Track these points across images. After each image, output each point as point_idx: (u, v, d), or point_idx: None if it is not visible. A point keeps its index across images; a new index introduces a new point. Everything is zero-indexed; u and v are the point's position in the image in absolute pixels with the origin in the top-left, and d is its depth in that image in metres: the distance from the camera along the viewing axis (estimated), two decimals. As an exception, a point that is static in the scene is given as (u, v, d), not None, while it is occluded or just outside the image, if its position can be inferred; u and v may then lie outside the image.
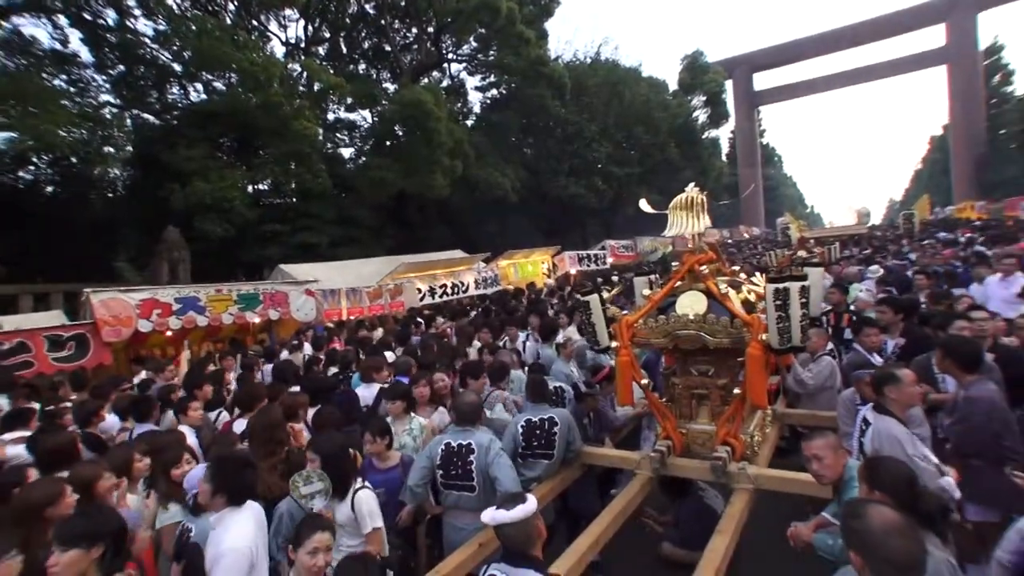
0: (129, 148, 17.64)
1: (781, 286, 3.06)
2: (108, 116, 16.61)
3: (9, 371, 6.45)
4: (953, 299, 5.74)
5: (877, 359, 4.26)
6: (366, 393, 4.79)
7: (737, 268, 4.17)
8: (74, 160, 16.18)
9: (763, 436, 3.99)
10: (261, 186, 19.47)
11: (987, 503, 2.97)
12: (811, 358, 4.45)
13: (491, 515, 2.07)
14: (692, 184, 3.92)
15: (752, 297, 3.76)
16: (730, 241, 27.06)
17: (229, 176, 15.90)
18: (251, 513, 2.48)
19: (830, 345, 4.78)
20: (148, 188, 16.54)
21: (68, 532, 2.04)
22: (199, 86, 19.73)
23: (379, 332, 8.76)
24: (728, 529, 2.90)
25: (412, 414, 3.93)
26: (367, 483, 2.92)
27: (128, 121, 17.93)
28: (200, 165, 15.62)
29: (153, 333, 8.40)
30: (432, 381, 4.37)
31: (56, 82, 15.82)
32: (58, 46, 16.38)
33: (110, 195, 19.79)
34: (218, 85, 19.06)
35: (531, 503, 2.08)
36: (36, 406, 4.83)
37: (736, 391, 3.44)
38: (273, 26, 22.24)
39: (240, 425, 4.01)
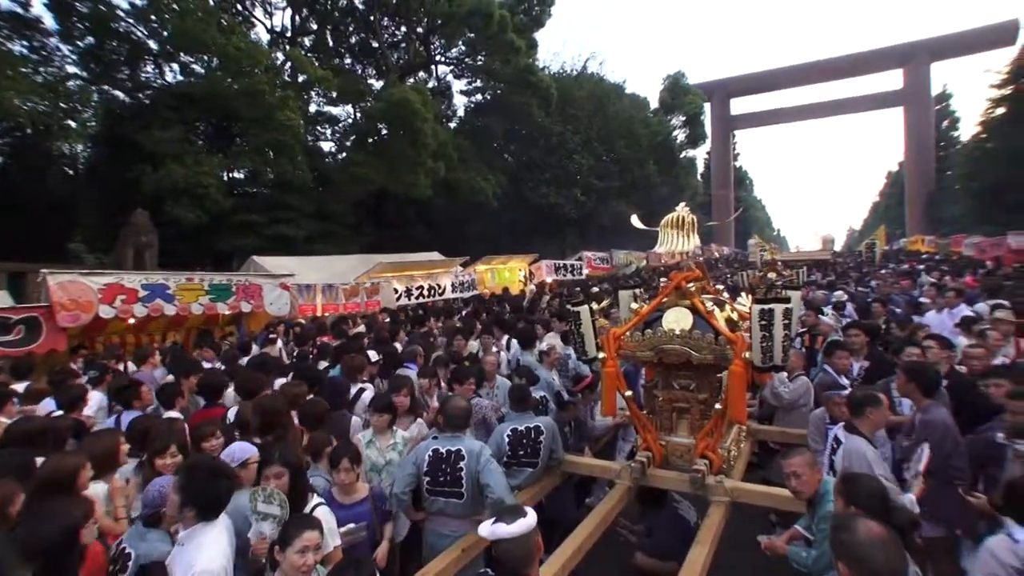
0: (93, 124, 16.88)
1: (767, 307, 3.17)
2: (73, 88, 15.86)
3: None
4: (916, 327, 6.13)
5: (844, 381, 4.46)
6: (345, 393, 4.73)
7: (721, 287, 4.29)
8: (29, 132, 15.26)
9: (738, 451, 4.11)
10: (237, 174, 19.04)
11: (938, 520, 3.16)
12: (787, 377, 4.61)
13: (490, 529, 1.91)
14: (683, 204, 4.04)
15: (735, 316, 3.89)
16: (701, 259, 27.55)
17: (205, 161, 15.52)
18: (224, 528, 2.28)
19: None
20: (114, 168, 15.94)
21: None
22: (176, 66, 19.04)
23: (360, 329, 8.67)
24: (706, 540, 2.99)
25: (394, 428, 3.76)
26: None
27: (95, 96, 17.15)
28: (175, 148, 15.19)
29: (114, 320, 8.02)
30: (411, 389, 4.12)
31: (14, 47, 14.85)
32: (18, 9, 15.32)
33: (70, 172, 18.89)
34: (197, 68, 18.49)
35: (532, 517, 1.95)
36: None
37: (717, 406, 3.55)
38: (259, 12, 22.00)
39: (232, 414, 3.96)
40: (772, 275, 11.61)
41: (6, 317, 6.86)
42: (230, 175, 18.49)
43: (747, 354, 3.27)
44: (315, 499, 2.72)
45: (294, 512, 2.52)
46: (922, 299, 8.78)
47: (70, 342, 7.65)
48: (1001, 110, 27.71)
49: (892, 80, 43.52)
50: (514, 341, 6.30)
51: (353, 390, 4.69)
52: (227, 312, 9.22)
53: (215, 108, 16.96)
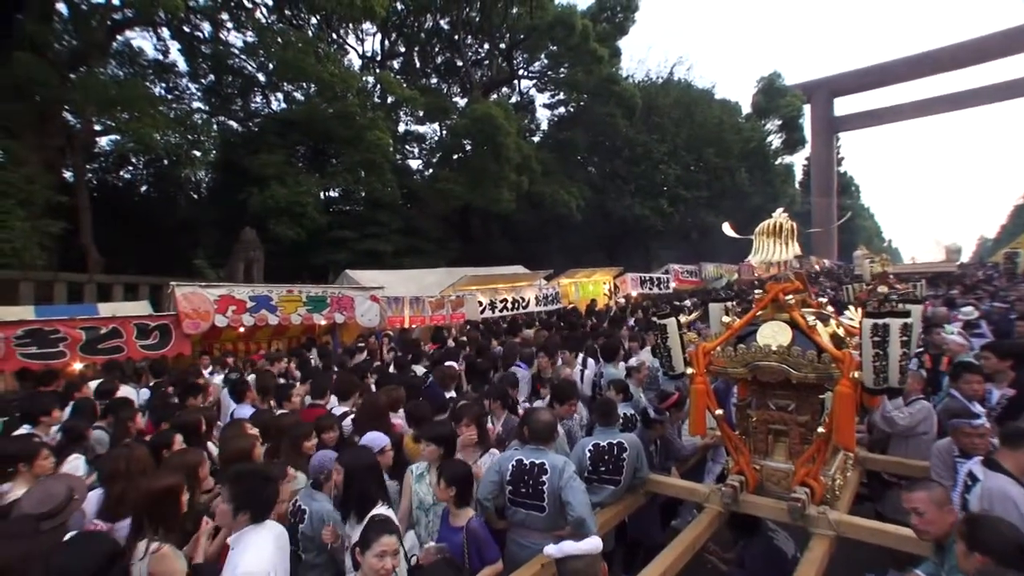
0: (214, 152, 18.85)
1: (881, 322, 2.84)
2: (198, 121, 17.77)
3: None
4: None
5: (979, 408, 3.88)
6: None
7: (824, 300, 3.93)
8: (166, 162, 17.54)
9: (844, 480, 3.72)
10: (332, 193, 20.39)
11: None
12: (904, 402, 4.11)
13: (558, 547, 1.96)
14: (781, 210, 3.76)
15: (841, 332, 3.54)
16: (800, 270, 25.52)
17: (304, 182, 16.68)
18: (271, 534, 2.34)
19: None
20: (228, 191, 17.62)
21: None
22: (280, 95, 21.13)
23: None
24: (808, 577, 2.70)
25: None
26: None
27: (214, 127, 19.15)
28: (278, 171, 16.49)
29: (227, 328, 8.83)
30: (478, 418, 3.61)
31: (156, 90, 17.34)
32: (160, 57, 18.16)
33: (194, 196, 21.35)
34: (297, 95, 20.20)
35: (598, 539, 2.01)
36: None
37: (820, 430, 3.23)
38: (351, 39, 23.44)
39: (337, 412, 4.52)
40: (883, 288, 10.62)
41: (145, 323, 7.91)
42: (326, 194, 19.79)
43: (856, 374, 2.94)
44: (381, 508, 2.69)
45: (358, 515, 2.65)
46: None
47: (193, 348, 8.59)
48: None
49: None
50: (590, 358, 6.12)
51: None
52: (323, 322, 9.81)
53: (313, 132, 18.30)
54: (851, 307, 4.11)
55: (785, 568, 2.99)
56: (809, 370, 3.13)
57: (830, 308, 3.92)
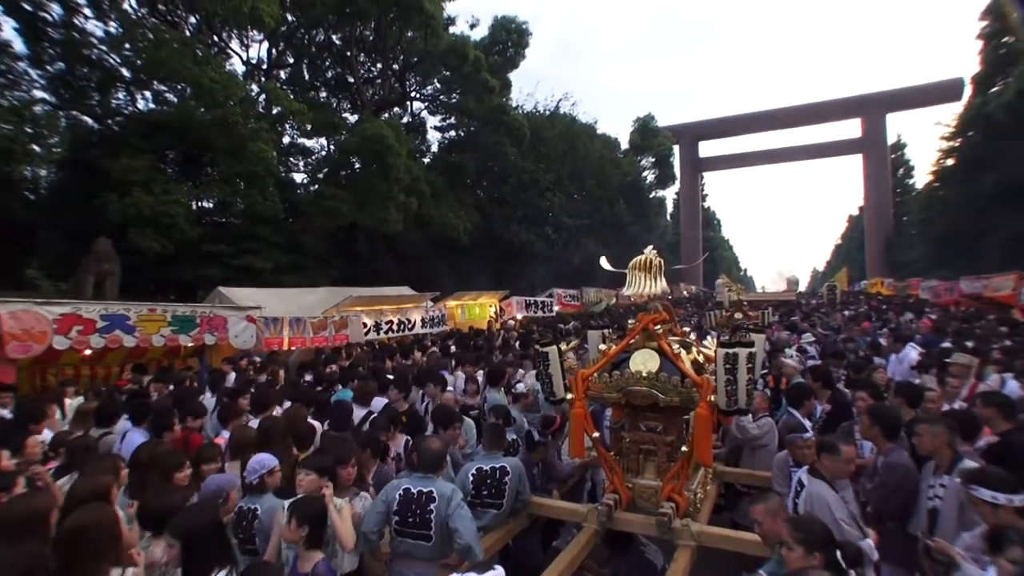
0: (59, 150, 16.47)
1: (731, 351, 3.25)
2: (40, 113, 15.39)
3: None
4: (871, 369, 6.34)
5: (807, 423, 4.55)
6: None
7: (688, 329, 4.38)
8: None
9: (705, 493, 4.12)
10: (206, 204, 18.73)
11: (900, 564, 3.21)
12: (752, 419, 4.67)
13: None
14: (650, 247, 4.14)
15: (701, 359, 3.96)
16: (668, 301, 27.90)
17: (174, 191, 15.22)
18: None
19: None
20: (78, 194, 15.45)
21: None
22: (148, 95, 18.91)
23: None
24: (673, 586, 2.96)
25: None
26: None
27: (63, 122, 16.79)
28: (143, 176, 14.82)
29: (68, 351, 7.76)
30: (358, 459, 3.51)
31: None
32: None
33: (30, 197, 18.29)
34: (170, 96, 18.38)
35: (501, 571, 2.02)
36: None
37: (683, 448, 3.57)
38: (235, 44, 21.97)
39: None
40: (739, 315, 11.90)
41: (-51, 348, 6.54)
42: (198, 204, 18.15)
43: (712, 397, 3.32)
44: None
45: None
46: (881, 340, 9.08)
47: (19, 373, 7.34)
48: (951, 161, 29.42)
49: (852, 128, 45.26)
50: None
51: (361, 413, 4.73)
52: (190, 344, 9.01)
53: (186, 137, 16.70)
54: (710, 335, 4.61)
55: None
56: (674, 394, 3.47)
57: (693, 336, 4.36)
